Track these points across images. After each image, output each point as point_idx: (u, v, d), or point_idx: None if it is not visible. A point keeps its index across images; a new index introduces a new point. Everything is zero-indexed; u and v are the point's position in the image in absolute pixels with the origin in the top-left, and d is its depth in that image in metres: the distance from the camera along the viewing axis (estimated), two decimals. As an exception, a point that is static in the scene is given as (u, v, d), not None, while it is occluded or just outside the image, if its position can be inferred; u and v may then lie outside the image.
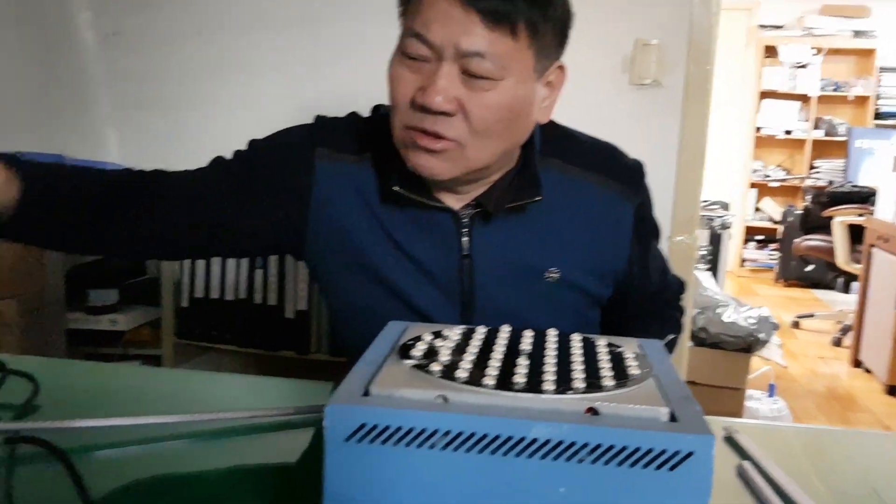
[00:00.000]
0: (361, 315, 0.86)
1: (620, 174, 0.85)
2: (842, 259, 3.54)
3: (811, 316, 3.87)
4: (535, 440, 0.43)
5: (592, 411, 0.44)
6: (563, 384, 0.47)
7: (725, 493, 0.61)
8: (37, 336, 2.16)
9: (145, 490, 0.58)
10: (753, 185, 5.22)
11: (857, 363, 3.15)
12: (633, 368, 0.51)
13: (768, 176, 5.19)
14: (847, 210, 3.67)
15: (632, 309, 0.91)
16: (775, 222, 5.11)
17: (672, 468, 0.42)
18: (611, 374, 0.49)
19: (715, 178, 4.19)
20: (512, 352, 0.53)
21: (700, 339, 2.43)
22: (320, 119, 0.88)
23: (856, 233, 3.45)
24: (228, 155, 0.87)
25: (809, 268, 4.71)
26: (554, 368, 0.50)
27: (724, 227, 3.37)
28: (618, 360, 0.53)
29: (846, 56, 5.03)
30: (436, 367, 0.48)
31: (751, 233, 5.24)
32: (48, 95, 2.25)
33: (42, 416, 0.68)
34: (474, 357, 0.51)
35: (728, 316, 2.41)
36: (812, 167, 5.10)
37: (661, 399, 0.46)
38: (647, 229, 0.89)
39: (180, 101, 2.16)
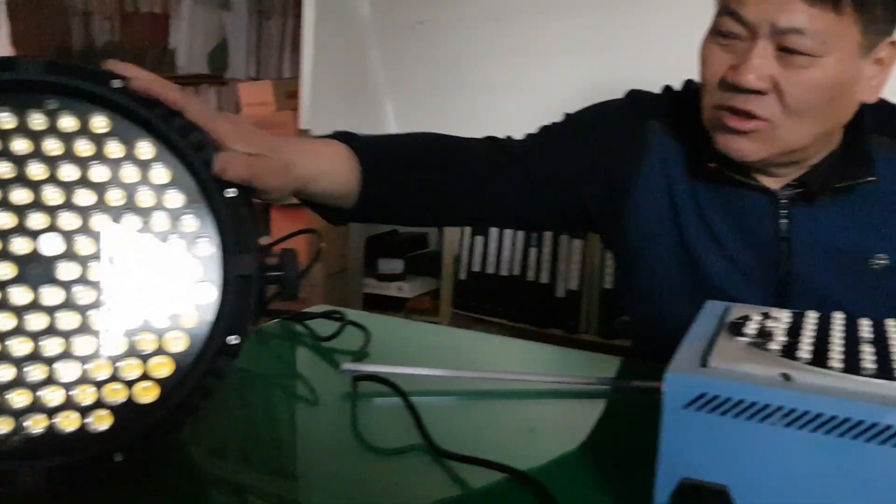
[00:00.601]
0: (661, 294, 0.87)
1: None
2: None
3: None
4: (888, 426, 0.41)
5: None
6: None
7: None
8: (337, 296, 2.40)
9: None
10: None
11: None
12: None
13: None
14: None
15: None
16: None
17: None
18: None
19: None
20: (852, 338, 0.51)
21: None
22: (637, 92, 0.88)
23: None
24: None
25: None
26: (903, 358, 0.47)
27: None
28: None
29: None
30: (774, 346, 0.48)
31: None
32: (362, 81, 2.46)
33: (371, 360, 0.77)
34: (812, 339, 0.50)
35: None
36: None
37: None
38: None
39: (479, 84, 2.26)
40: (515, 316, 2.37)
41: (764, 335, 0.50)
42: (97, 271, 0.47)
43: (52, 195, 0.46)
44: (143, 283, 0.48)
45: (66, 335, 0.46)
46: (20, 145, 0.46)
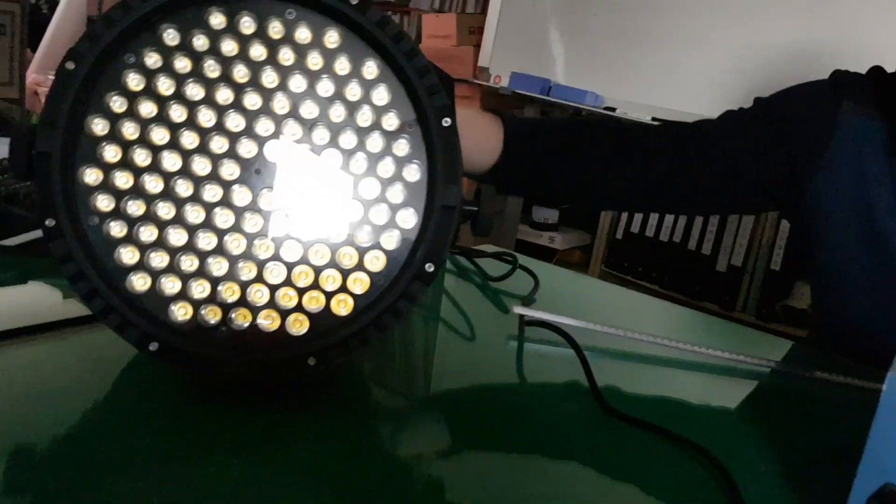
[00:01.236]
0: (844, 276, 0.83)
1: None
2: None
3: None
4: None
5: None
6: None
7: None
8: (494, 239, 2.42)
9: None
10: None
11: None
12: None
13: None
14: None
15: None
16: None
17: None
18: None
19: None
20: None
21: None
22: (839, 73, 0.85)
23: None
24: (707, 106, 0.90)
25: None
26: None
27: None
28: None
29: None
30: None
31: None
32: (543, 25, 2.42)
33: (538, 307, 0.76)
34: None
35: None
36: None
37: None
38: None
39: (673, 37, 2.17)
40: (668, 283, 2.31)
41: None
42: (310, 183, 0.48)
43: (280, 104, 0.48)
44: (353, 199, 0.49)
45: (277, 240, 0.48)
46: (257, 51, 0.48)
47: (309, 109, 0.48)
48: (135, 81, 0.47)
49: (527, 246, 2.60)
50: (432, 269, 0.49)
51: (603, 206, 1.09)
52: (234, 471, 0.43)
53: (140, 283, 0.47)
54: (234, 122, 0.48)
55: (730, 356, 0.70)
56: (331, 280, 0.49)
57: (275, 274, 0.48)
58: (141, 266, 0.47)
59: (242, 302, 0.48)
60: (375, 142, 0.49)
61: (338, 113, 0.49)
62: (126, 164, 0.47)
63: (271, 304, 0.48)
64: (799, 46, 1.88)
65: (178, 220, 0.47)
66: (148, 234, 0.47)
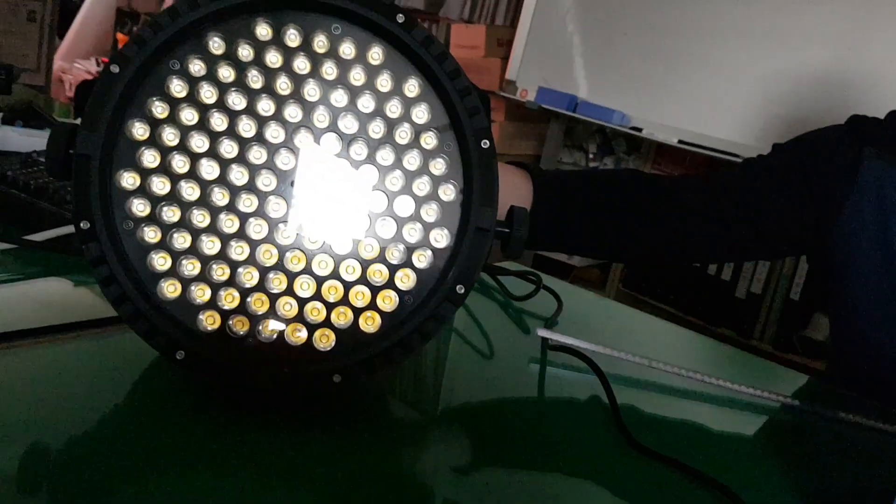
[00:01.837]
0: (863, 314, 0.84)
1: None
2: None
3: None
4: None
5: None
6: None
7: None
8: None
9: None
10: None
11: None
12: None
13: None
14: None
15: None
16: None
17: None
18: None
19: None
20: None
21: None
22: (858, 118, 0.87)
23: None
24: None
25: None
26: None
27: None
28: None
29: None
30: None
31: None
32: (571, 41, 2.42)
33: (560, 330, 0.75)
34: None
35: None
36: None
37: None
38: None
39: (702, 60, 2.16)
40: (686, 307, 2.29)
41: None
42: (345, 197, 0.48)
43: (320, 117, 0.48)
44: (387, 216, 0.48)
45: (309, 253, 0.48)
46: (301, 64, 0.48)
47: (349, 124, 0.48)
48: (178, 88, 0.47)
49: (544, 262, 2.59)
50: (463, 290, 0.48)
51: (630, 262, 1.09)
52: (252, 483, 0.42)
53: (170, 290, 0.46)
54: (274, 133, 0.47)
55: (752, 391, 0.69)
56: (360, 296, 0.48)
57: (305, 287, 0.48)
58: (172, 273, 0.46)
59: (271, 314, 0.47)
60: (413, 159, 0.49)
61: (377, 129, 0.48)
62: (164, 169, 0.47)
63: (299, 317, 0.48)
64: (828, 75, 1.87)
65: (212, 228, 0.47)
66: (181, 241, 0.47)
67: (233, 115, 0.47)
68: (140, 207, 0.46)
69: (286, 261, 0.48)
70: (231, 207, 0.47)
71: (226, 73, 0.47)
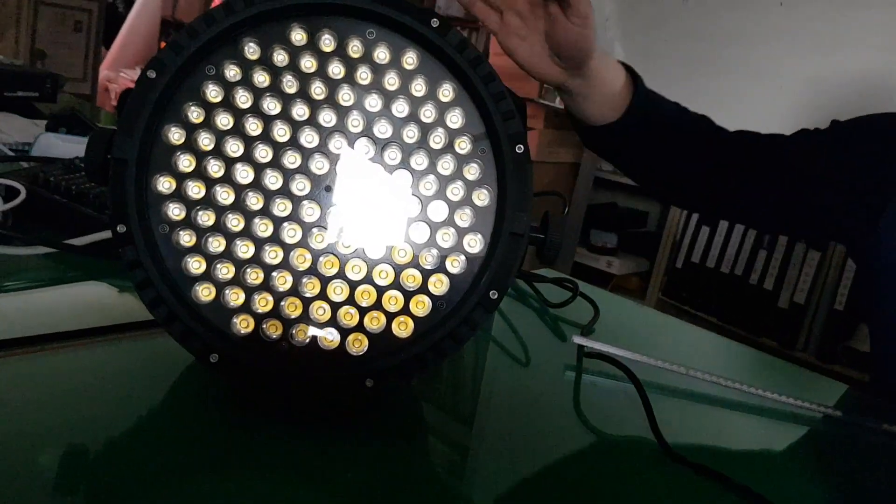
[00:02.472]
0: None
1: None
2: None
3: None
4: None
5: None
6: None
7: None
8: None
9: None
10: None
11: None
12: None
13: None
14: None
15: None
16: None
17: None
18: None
19: None
20: None
21: None
22: None
23: None
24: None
25: None
26: None
27: None
28: None
29: None
30: None
31: None
32: (613, 46, 2.40)
33: (596, 338, 0.74)
34: None
35: None
36: None
37: None
38: None
39: (743, 66, 2.13)
40: (728, 317, 2.25)
41: None
42: (379, 202, 0.48)
43: (354, 122, 0.48)
44: (420, 220, 0.48)
45: (343, 258, 0.48)
46: (335, 69, 0.48)
47: (383, 129, 0.48)
48: (213, 93, 0.47)
49: (584, 269, 2.57)
50: (496, 296, 0.48)
51: (678, 200, 1.08)
52: (284, 486, 0.42)
53: (205, 293, 0.47)
54: (308, 138, 0.48)
55: (793, 402, 0.68)
56: (393, 301, 0.48)
57: (338, 292, 0.48)
58: (207, 276, 0.47)
59: (304, 318, 0.47)
60: (447, 164, 0.49)
61: (411, 134, 0.48)
62: (199, 174, 0.47)
63: (332, 321, 0.48)
64: (872, 80, 1.83)
65: (247, 232, 0.47)
66: (216, 244, 0.47)
67: (267, 120, 0.47)
68: (175, 211, 0.47)
69: (320, 265, 0.48)
70: (265, 212, 0.47)
71: (261, 78, 0.47)
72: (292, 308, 0.47)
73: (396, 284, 0.48)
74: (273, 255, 0.47)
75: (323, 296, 0.48)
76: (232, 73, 0.47)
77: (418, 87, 0.48)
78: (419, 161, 0.48)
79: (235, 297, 0.47)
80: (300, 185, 0.48)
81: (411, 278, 0.48)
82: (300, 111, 0.48)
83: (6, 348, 0.51)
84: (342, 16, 0.48)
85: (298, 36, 0.48)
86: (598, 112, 0.82)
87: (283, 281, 0.47)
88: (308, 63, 0.48)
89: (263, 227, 0.47)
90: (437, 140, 0.48)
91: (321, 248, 0.48)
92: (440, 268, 0.48)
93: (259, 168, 0.47)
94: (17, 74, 1.27)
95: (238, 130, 0.47)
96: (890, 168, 0.80)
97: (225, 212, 0.47)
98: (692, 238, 2.33)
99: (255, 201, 0.47)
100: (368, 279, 0.48)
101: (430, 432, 0.54)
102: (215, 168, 0.47)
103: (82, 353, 0.53)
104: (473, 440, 0.54)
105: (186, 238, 0.47)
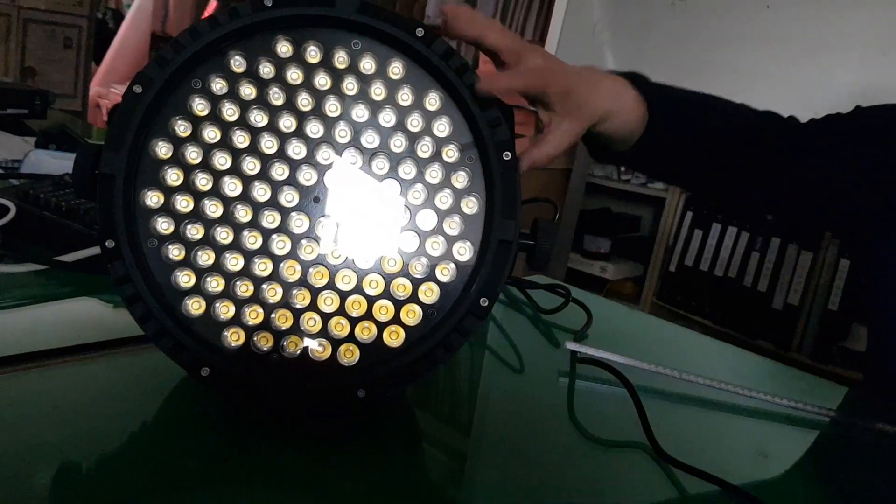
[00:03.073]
0: None
1: None
2: None
3: None
4: None
5: None
6: None
7: None
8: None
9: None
10: None
11: None
12: None
13: None
14: None
15: None
16: None
17: None
18: None
19: None
20: None
21: None
22: None
23: None
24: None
25: None
26: None
27: None
28: None
29: None
30: None
31: None
32: (604, 52, 2.41)
33: (590, 343, 0.74)
34: None
35: None
36: None
37: None
38: None
39: (731, 69, 2.14)
40: (722, 320, 2.25)
41: None
42: (367, 212, 0.48)
43: (341, 133, 0.48)
44: (409, 230, 0.48)
45: (333, 268, 0.48)
46: (321, 80, 0.48)
47: (370, 139, 0.48)
48: (200, 106, 0.47)
49: (578, 275, 2.58)
50: (487, 303, 0.48)
51: (715, 194, 1.03)
52: (277, 499, 0.42)
53: (195, 307, 0.47)
54: (296, 149, 0.48)
55: (787, 403, 0.68)
56: (384, 310, 0.48)
57: (328, 302, 0.48)
58: (196, 290, 0.47)
59: (295, 329, 0.47)
60: (435, 173, 0.49)
61: (399, 143, 0.48)
62: (187, 187, 0.47)
63: (323, 332, 0.48)
64: (865, 86, 1.84)
65: (236, 245, 0.47)
66: (205, 258, 0.47)
67: (255, 132, 0.47)
68: (164, 225, 0.47)
69: (309, 276, 0.48)
70: (254, 224, 0.47)
71: (247, 90, 0.47)
72: (283, 320, 0.47)
73: (387, 294, 0.48)
74: (263, 267, 0.47)
75: (313, 307, 0.48)
76: (218, 86, 0.47)
77: (405, 97, 0.48)
78: (407, 170, 0.48)
79: (226, 310, 0.47)
80: (288, 197, 0.48)
81: (401, 287, 0.48)
82: (287, 123, 0.48)
83: (-3, 366, 0.51)
84: (327, 27, 0.48)
85: (284, 48, 0.48)
86: (620, 139, 0.74)
87: (273, 293, 0.47)
88: (294, 75, 0.48)
89: (252, 240, 0.47)
90: (424, 149, 0.49)
91: (311, 260, 0.48)
92: (430, 276, 0.49)
93: (247, 180, 0.47)
94: (6, 92, 1.27)
95: (225, 143, 0.47)
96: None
97: (213, 225, 0.47)
98: (685, 242, 2.34)
99: (243, 214, 0.47)
100: (359, 289, 0.48)
101: (424, 440, 0.54)
102: (203, 181, 0.47)
103: (74, 369, 0.53)
104: (468, 448, 0.54)
105: (175, 252, 0.47)
